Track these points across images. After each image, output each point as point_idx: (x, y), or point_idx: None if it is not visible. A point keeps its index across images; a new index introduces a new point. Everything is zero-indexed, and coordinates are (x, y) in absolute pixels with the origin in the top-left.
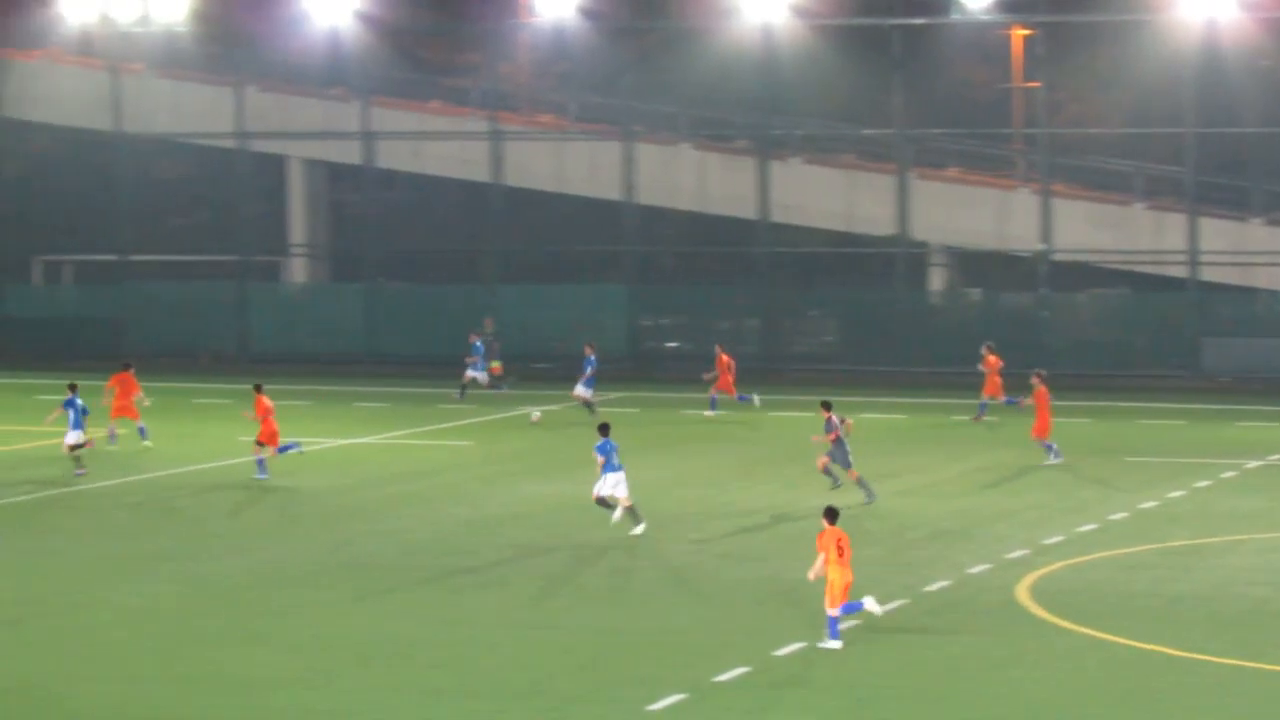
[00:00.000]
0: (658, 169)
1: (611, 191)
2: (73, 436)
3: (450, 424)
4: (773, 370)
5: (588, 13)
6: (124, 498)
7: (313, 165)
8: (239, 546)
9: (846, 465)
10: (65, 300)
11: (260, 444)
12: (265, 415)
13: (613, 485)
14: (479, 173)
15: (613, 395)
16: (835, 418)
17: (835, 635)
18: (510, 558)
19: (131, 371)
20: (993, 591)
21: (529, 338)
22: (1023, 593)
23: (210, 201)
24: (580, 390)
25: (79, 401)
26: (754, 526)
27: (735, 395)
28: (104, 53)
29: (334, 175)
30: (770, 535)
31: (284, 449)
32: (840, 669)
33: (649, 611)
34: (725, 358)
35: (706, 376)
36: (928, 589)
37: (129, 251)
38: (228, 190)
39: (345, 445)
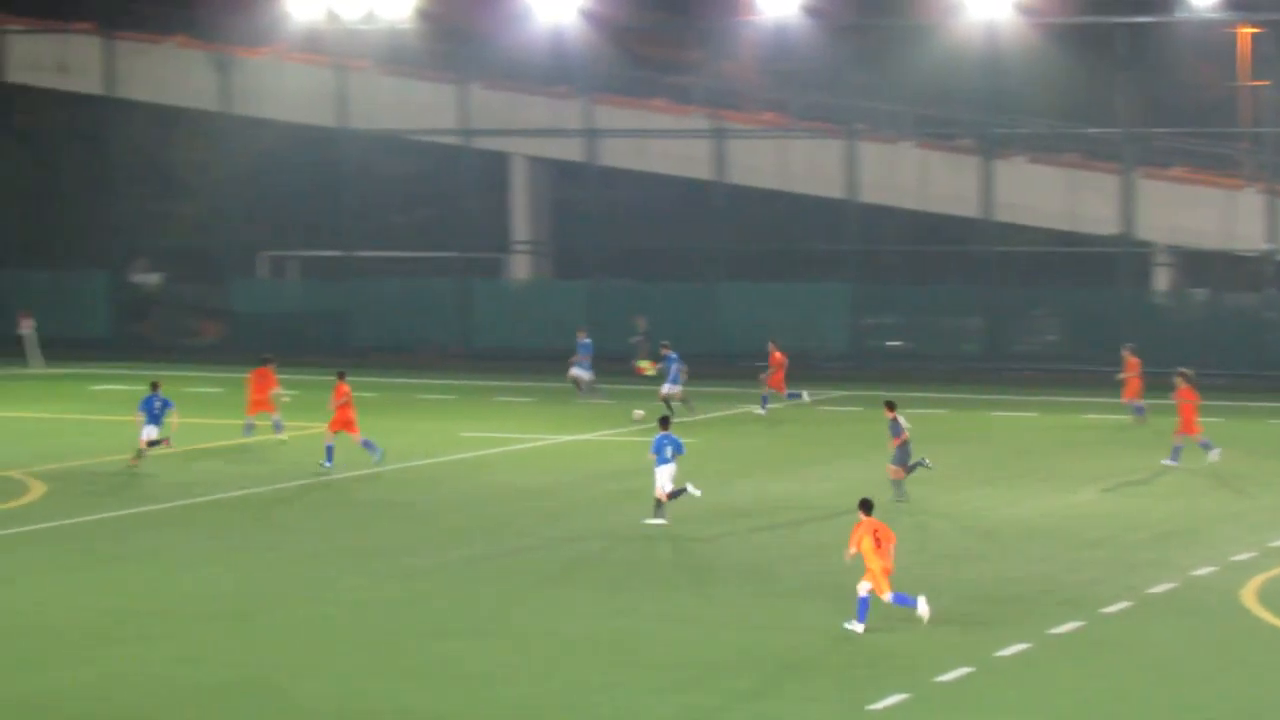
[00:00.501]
0: (880, 167)
1: (834, 190)
2: (149, 432)
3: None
4: (994, 370)
5: (811, 10)
6: (346, 492)
7: (536, 162)
8: (460, 540)
9: (901, 463)
10: (290, 295)
11: (337, 432)
12: (342, 403)
13: (667, 478)
14: (701, 170)
15: (833, 394)
16: (901, 419)
17: (912, 603)
18: (732, 555)
19: (271, 366)
20: (1218, 594)
21: (750, 337)
22: (1249, 596)
23: (434, 198)
24: (668, 388)
25: (157, 400)
26: (975, 527)
27: (785, 393)
28: (330, 50)
29: (557, 172)
30: (992, 536)
31: (367, 444)
32: (1062, 671)
33: (872, 611)
34: (778, 354)
35: (762, 377)
36: (1151, 590)
37: (353, 247)
38: (451, 187)
39: (565, 441)
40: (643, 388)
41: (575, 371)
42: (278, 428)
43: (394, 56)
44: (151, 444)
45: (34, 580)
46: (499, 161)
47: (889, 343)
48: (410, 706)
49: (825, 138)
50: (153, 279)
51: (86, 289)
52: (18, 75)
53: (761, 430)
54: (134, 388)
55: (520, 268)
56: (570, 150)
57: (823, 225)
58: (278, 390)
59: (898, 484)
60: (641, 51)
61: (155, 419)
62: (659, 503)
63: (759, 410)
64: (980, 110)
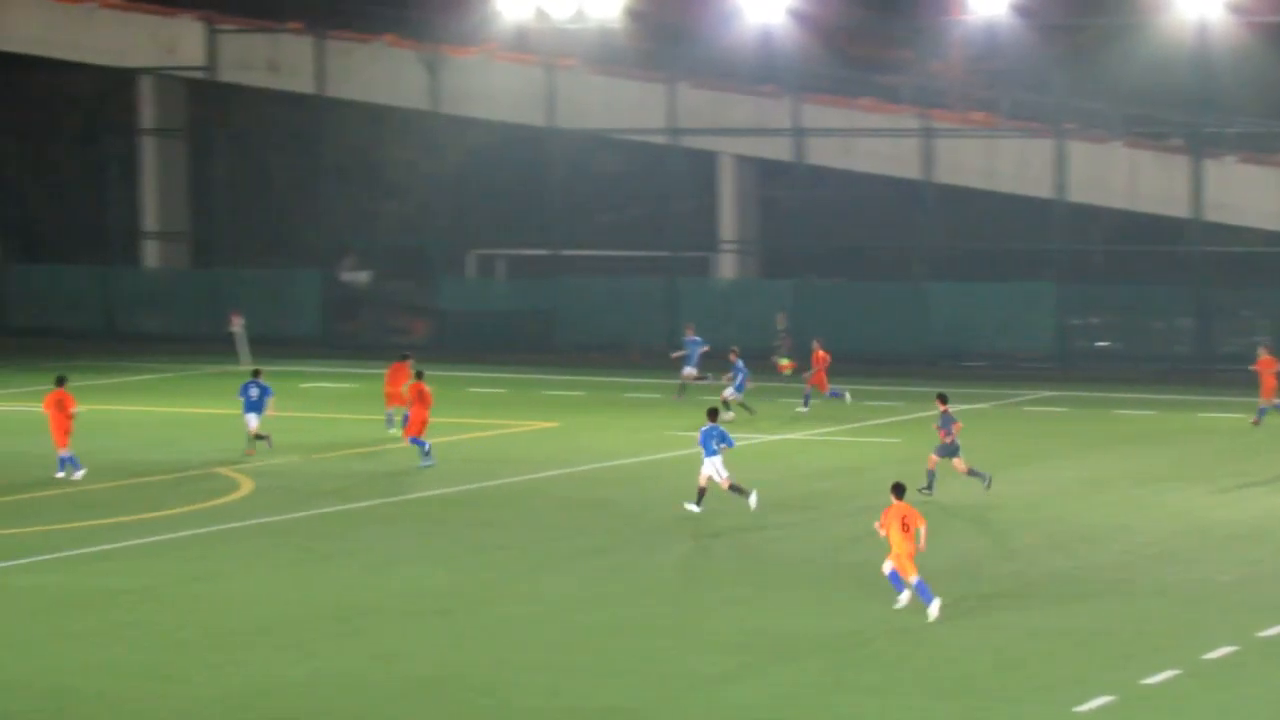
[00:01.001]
0: (1089, 167)
1: (1042, 189)
2: (251, 421)
3: (879, 421)
4: (1204, 370)
5: (1020, 9)
6: (553, 491)
7: (743, 161)
8: (667, 540)
9: (944, 456)
10: (498, 294)
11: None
12: (418, 400)
13: (712, 469)
14: (909, 170)
15: (1040, 394)
16: (951, 412)
17: (928, 598)
18: (937, 556)
19: (409, 363)
20: None
21: (958, 336)
22: None
23: (641, 197)
24: (730, 393)
25: (254, 387)
26: (1185, 528)
27: (826, 391)
28: (539, 49)
29: (764, 171)
30: (1203, 536)
31: (417, 442)
32: (1272, 675)
33: (1079, 612)
34: (822, 353)
35: (806, 375)
36: None
37: (560, 246)
38: (659, 186)
39: (774, 441)
40: (783, 385)
41: (687, 370)
42: (390, 422)
43: (603, 55)
44: (257, 437)
45: (242, 576)
46: (706, 160)
47: (1098, 343)
48: (614, 705)
49: (1033, 137)
50: (362, 277)
51: (297, 287)
52: (230, 75)
53: (966, 431)
54: (343, 385)
55: (727, 267)
56: (778, 149)
57: (1029, 225)
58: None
59: (931, 473)
60: (850, 50)
61: (254, 407)
62: (701, 491)
63: (801, 409)
64: (1190, 109)
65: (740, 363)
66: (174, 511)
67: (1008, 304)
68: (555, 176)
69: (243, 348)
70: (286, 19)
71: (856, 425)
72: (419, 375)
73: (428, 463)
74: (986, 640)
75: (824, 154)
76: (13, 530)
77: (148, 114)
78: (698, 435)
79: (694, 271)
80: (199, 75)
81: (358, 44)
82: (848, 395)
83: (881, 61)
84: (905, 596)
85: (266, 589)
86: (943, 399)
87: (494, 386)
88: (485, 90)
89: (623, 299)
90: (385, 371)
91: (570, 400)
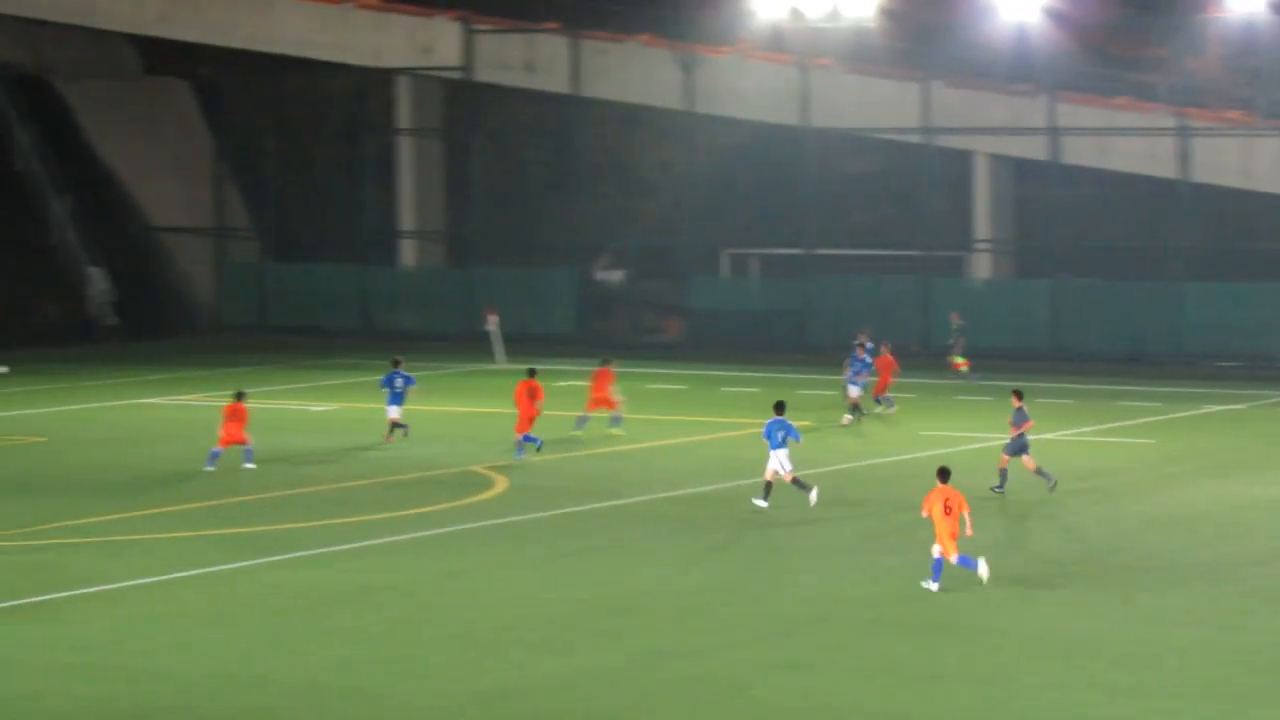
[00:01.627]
0: None
1: None
2: (393, 412)
3: (1132, 421)
4: None
5: (1278, 6)
6: (791, 490)
7: (998, 160)
8: (920, 541)
9: (1013, 453)
10: (750, 293)
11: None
12: (531, 400)
13: (777, 463)
14: (1165, 169)
15: None
16: (1026, 408)
17: (973, 565)
18: (1189, 558)
19: (610, 367)
20: None
21: (1215, 336)
22: None
23: (895, 196)
24: (852, 391)
25: (399, 377)
26: None
27: (879, 396)
28: (793, 48)
29: (1019, 170)
30: None
31: (528, 439)
32: None
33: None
34: (888, 358)
35: (872, 380)
36: None
37: (813, 245)
38: (912, 185)
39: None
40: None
41: (853, 390)
42: (580, 423)
43: (857, 54)
44: (395, 425)
45: (495, 574)
46: (960, 159)
47: None
48: (864, 706)
49: None
50: (616, 276)
51: (552, 285)
52: (486, 75)
53: (1221, 432)
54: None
55: (981, 266)
56: (1033, 148)
57: None
58: (612, 389)
59: (1003, 472)
60: (1105, 48)
61: (398, 398)
62: (768, 485)
63: (889, 409)
64: None
65: (864, 356)
66: (428, 509)
67: (1266, 304)
68: (808, 175)
69: (498, 346)
70: (542, 19)
71: (1110, 426)
72: (531, 374)
73: (520, 455)
74: (1236, 642)
75: (1079, 153)
76: (273, 526)
77: (404, 114)
78: (762, 428)
79: (948, 271)
80: (455, 75)
81: (613, 43)
82: (894, 406)
83: (1137, 59)
84: (935, 587)
85: (520, 587)
86: (1018, 395)
87: (747, 385)
88: (739, 89)
89: (876, 298)
90: (592, 374)
91: (821, 400)
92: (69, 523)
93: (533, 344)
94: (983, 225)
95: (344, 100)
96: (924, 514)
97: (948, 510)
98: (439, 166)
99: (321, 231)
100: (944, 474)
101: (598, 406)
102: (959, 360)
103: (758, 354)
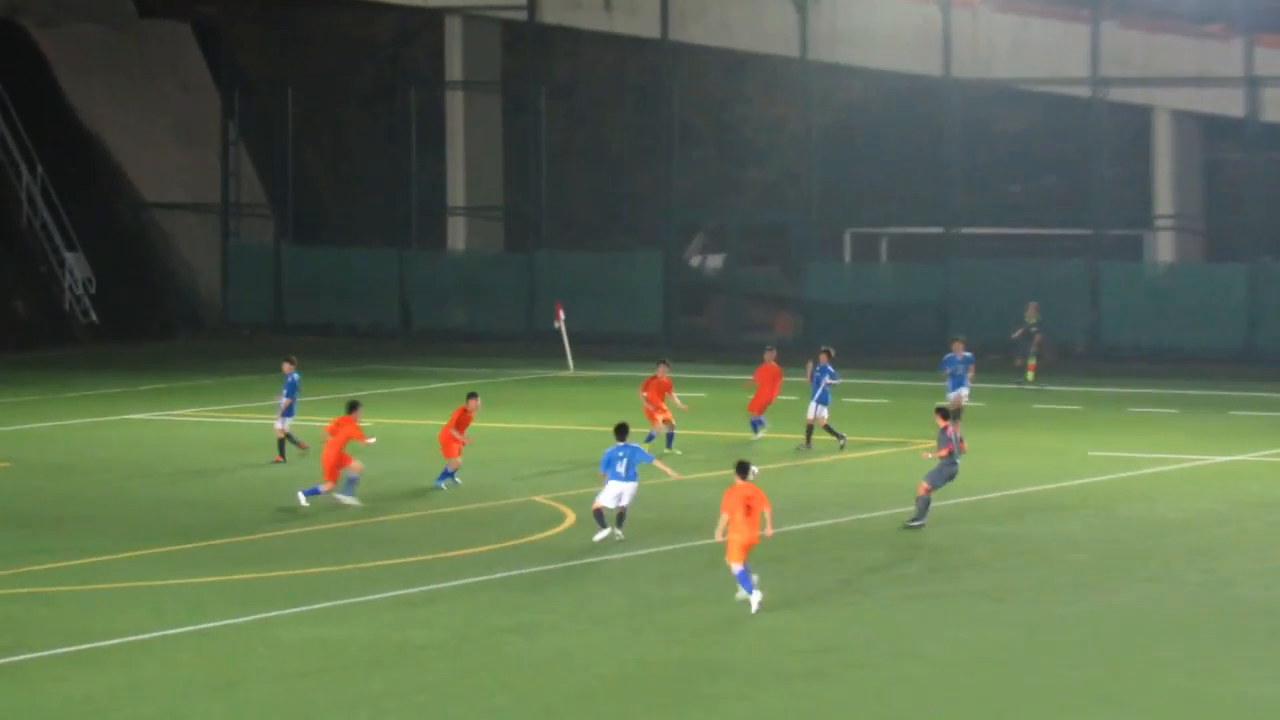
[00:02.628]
0: None
1: None
2: (284, 424)
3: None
4: None
5: None
6: (951, 522)
7: (1183, 118)
8: (1088, 584)
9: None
10: (878, 281)
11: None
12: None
13: (612, 496)
14: None
15: None
16: (954, 430)
17: (748, 588)
18: None
19: (664, 368)
20: None
21: None
22: None
23: (1057, 162)
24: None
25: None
26: None
27: (758, 415)
28: None
29: (1210, 131)
30: None
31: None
32: None
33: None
34: (774, 366)
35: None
36: None
37: (957, 223)
38: (1078, 149)
39: (1215, 463)
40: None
41: (958, 394)
42: (650, 436)
43: None
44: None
45: (565, 628)
46: (1138, 117)
47: None
48: None
49: None
50: (713, 261)
51: (634, 273)
52: (555, 15)
53: None
54: (693, 394)
55: (1164, 248)
56: (1226, 103)
57: None
58: (670, 395)
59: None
60: None
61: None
62: (597, 512)
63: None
64: None
65: (828, 366)
66: (483, 549)
67: None
68: (951, 138)
69: (570, 347)
70: None
71: None
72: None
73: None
74: None
75: None
76: (289, 570)
77: (455, 63)
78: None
79: (1123, 253)
80: (518, 15)
81: None
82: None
83: None
84: (752, 595)
85: (594, 644)
86: (943, 414)
87: (875, 396)
88: (866, 33)
89: (1035, 286)
90: (753, 374)
91: (970, 412)
92: (37, 568)
93: (609, 345)
94: (1164, 198)
95: (380, 46)
96: (723, 514)
97: (749, 511)
98: (497, 128)
99: (352, 209)
100: (744, 469)
101: (658, 418)
102: (1030, 363)
103: (887, 357)
